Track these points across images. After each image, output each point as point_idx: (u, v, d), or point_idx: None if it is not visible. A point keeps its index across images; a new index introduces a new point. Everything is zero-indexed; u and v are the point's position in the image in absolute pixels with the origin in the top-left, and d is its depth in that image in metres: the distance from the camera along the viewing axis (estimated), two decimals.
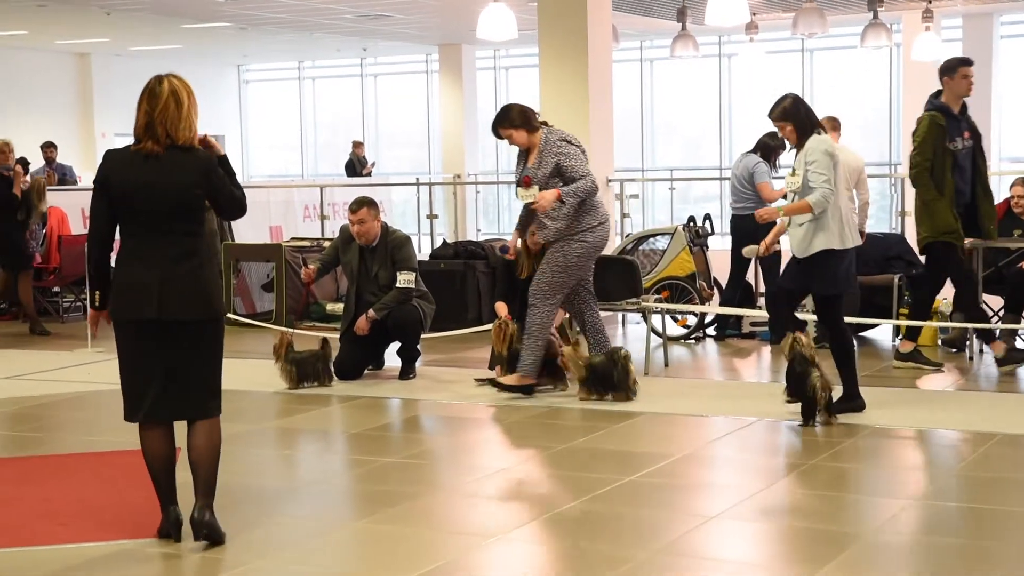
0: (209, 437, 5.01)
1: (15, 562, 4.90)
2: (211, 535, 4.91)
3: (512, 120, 7.68)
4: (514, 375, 7.86)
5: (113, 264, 4.98)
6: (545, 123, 7.84)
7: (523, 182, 7.64)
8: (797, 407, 7.03)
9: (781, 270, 10.07)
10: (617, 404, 7.65)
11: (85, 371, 9.20)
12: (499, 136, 7.80)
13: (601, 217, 7.75)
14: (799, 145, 7.11)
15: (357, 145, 23.29)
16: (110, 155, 4.98)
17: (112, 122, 25.09)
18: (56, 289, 12.66)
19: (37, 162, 17.65)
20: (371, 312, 8.46)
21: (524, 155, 7.79)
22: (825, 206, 6.96)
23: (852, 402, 7.21)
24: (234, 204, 5.08)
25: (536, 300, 7.72)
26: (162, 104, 4.84)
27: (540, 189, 7.59)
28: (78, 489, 5.96)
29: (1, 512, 5.58)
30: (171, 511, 4.99)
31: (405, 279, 8.50)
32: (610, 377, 7.70)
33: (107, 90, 25.27)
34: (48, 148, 17.44)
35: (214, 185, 4.97)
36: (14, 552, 5.01)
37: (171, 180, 4.87)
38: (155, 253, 4.88)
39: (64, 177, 17.31)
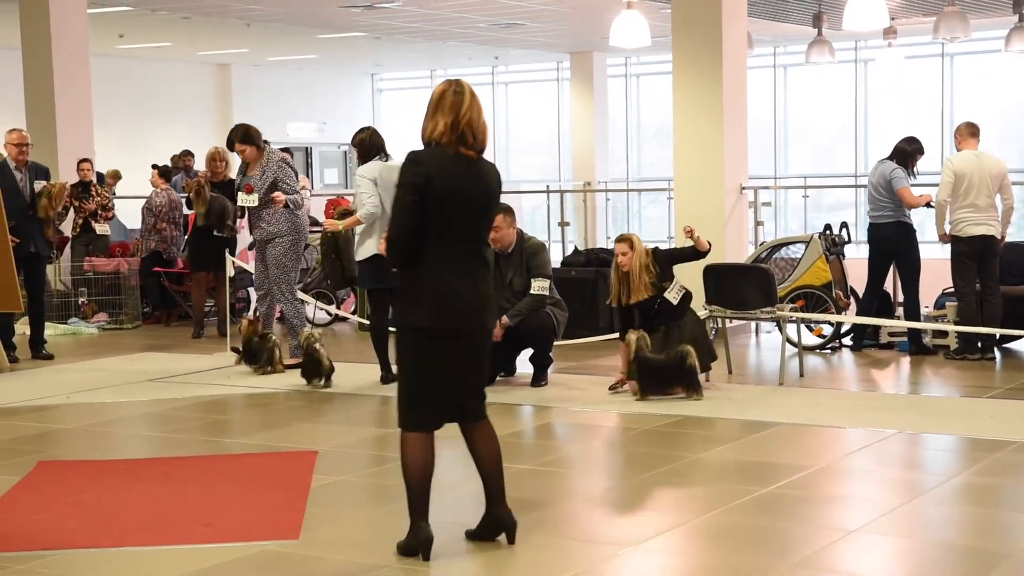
0: (495, 438, 5.00)
1: (160, 559, 5.03)
2: (513, 532, 4.98)
3: (251, 138, 9.36)
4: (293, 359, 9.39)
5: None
6: (267, 142, 9.51)
7: (245, 189, 9.34)
8: None
9: (921, 280, 9.88)
10: (746, 413, 7.56)
11: (224, 375, 9.42)
12: (232, 149, 9.47)
13: (298, 226, 9.50)
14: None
15: None
16: (426, 156, 4.77)
17: None
18: None
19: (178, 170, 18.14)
20: (505, 319, 8.48)
21: (244, 168, 9.47)
22: (373, 219, 8.54)
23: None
24: None
25: (283, 300, 9.46)
26: (467, 107, 4.73)
27: (260, 197, 9.28)
28: (219, 490, 6.10)
29: (146, 510, 5.74)
30: (424, 528, 4.85)
31: (539, 286, 8.51)
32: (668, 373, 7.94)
33: (245, 99, 25.87)
34: (186, 157, 17.91)
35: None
36: (159, 550, 5.14)
37: (487, 187, 4.81)
38: (464, 261, 4.77)
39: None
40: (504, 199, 10.70)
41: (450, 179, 4.71)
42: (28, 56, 13.30)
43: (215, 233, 11.56)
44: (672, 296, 8.23)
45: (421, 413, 4.85)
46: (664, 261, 8.28)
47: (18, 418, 8.00)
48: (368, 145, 8.85)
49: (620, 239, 8.33)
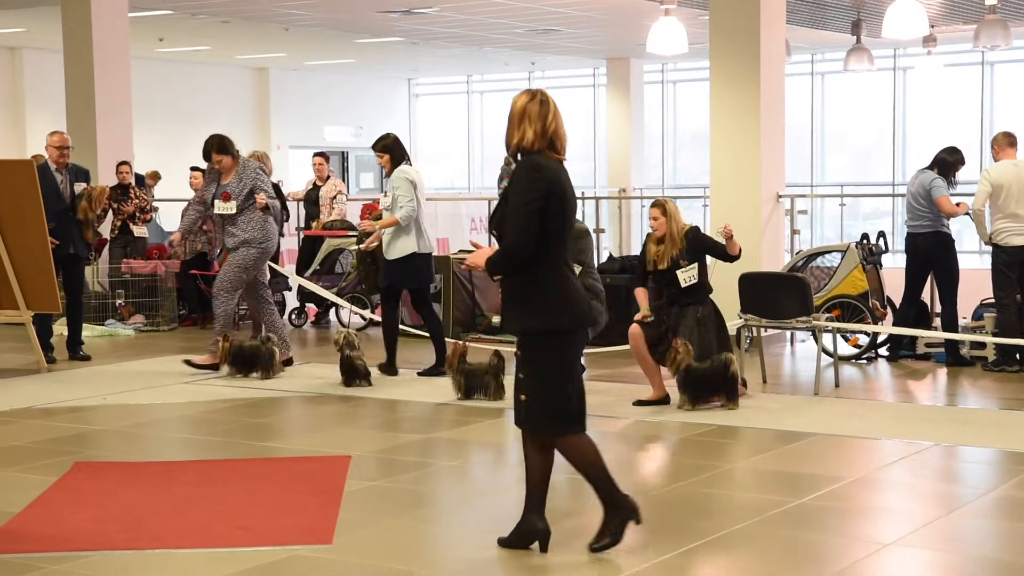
0: (554, 451, 5.09)
1: (195, 562, 5.06)
2: (547, 541, 5.07)
3: (227, 148, 9.51)
4: (206, 355, 9.64)
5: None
6: (238, 152, 9.71)
7: (222, 197, 9.44)
8: None
9: (959, 290, 9.80)
10: (781, 423, 7.53)
11: (258, 378, 9.44)
12: (209, 160, 9.53)
13: (270, 234, 9.59)
14: (391, 172, 9.21)
15: (508, 161, 23.38)
16: (543, 163, 4.90)
17: (288, 134, 25.81)
18: None
19: None
20: None
21: (217, 176, 9.55)
22: (410, 220, 9.01)
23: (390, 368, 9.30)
24: None
25: (221, 294, 9.46)
26: (552, 115, 4.92)
27: (237, 205, 9.38)
28: (253, 493, 6.12)
29: (181, 512, 5.78)
30: (631, 498, 5.03)
31: None
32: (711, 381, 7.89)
33: (283, 103, 26.00)
34: None
35: None
36: (194, 553, 5.16)
37: (574, 188, 5.03)
38: (569, 260, 5.00)
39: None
40: None
41: (562, 183, 4.89)
42: (69, 59, 13.41)
43: None
44: (682, 277, 8.04)
45: (577, 413, 4.97)
46: (693, 242, 8.09)
47: (55, 419, 8.07)
48: (401, 148, 9.28)
49: (654, 204, 8.26)
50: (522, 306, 4.91)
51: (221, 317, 9.54)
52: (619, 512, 5.00)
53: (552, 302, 4.88)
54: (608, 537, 4.99)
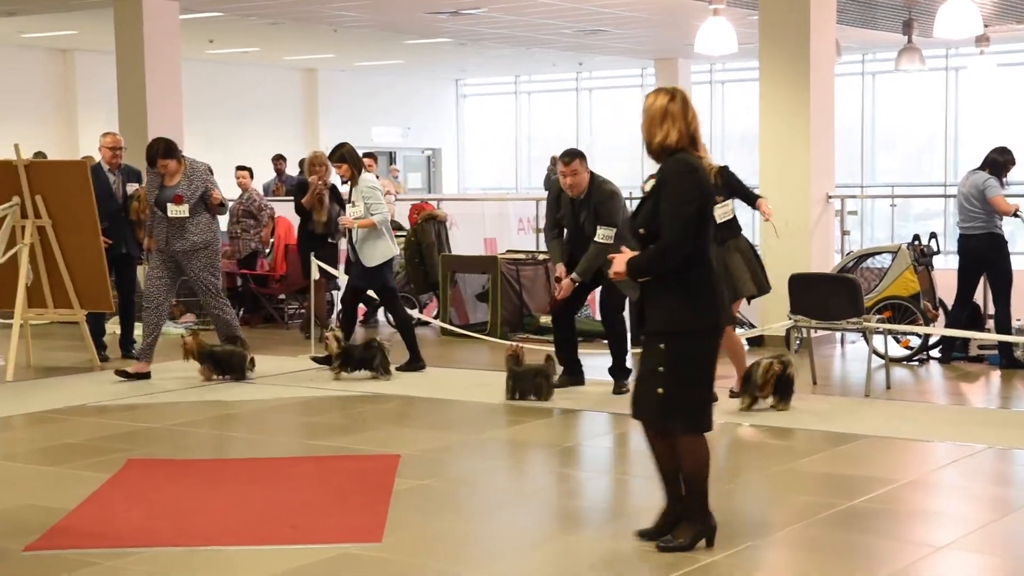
0: None
1: (246, 560, 5.10)
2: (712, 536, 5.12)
3: (172, 152, 9.26)
4: (139, 363, 9.47)
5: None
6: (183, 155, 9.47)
7: (175, 200, 9.18)
8: None
9: (1012, 292, 9.69)
10: (831, 425, 7.48)
11: (308, 377, 9.51)
12: (154, 166, 9.22)
13: (219, 233, 9.59)
14: (353, 181, 9.43)
15: (555, 161, 23.38)
16: (697, 164, 4.96)
17: (336, 135, 25.88)
18: (281, 296, 13.14)
19: (268, 174, 18.37)
20: (573, 275, 8.38)
21: (159, 180, 9.28)
22: (386, 223, 9.44)
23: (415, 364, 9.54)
24: None
25: (212, 301, 9.42)
26: (692, 114, 5.00)
27: (189, 207, 9.16)
28: (304, 492, 6.16)
29: (232, 510, 5.82)
30: (713, 516, 5.08)
31: (604, 234, 8.20)
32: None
33: (331, 104, 26.13)
34: (278, 160, 18.14)
35: None
36: (245, 550, 5.20)
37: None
38: (712, 260, 5.03)
39: (289, 190, 17.91)
40: None
41: (709, 182, 5.02)
42: (121, 61, 13.56)
43: (329, 240, 11.62)
44: (719, 213, 7.85)
45: (710, 413, 5.05)
46: (728, 180, 8.14)
47: (108, 416, 8.16)
48: (357, 157, 9.54)
49: None
50: (674, 304, 4.91)
51: (234, 324, 9.60)
52: (699, 526, 5.02)
53: (703, 301, 4.92)
54: (681, 539, 5.00)
